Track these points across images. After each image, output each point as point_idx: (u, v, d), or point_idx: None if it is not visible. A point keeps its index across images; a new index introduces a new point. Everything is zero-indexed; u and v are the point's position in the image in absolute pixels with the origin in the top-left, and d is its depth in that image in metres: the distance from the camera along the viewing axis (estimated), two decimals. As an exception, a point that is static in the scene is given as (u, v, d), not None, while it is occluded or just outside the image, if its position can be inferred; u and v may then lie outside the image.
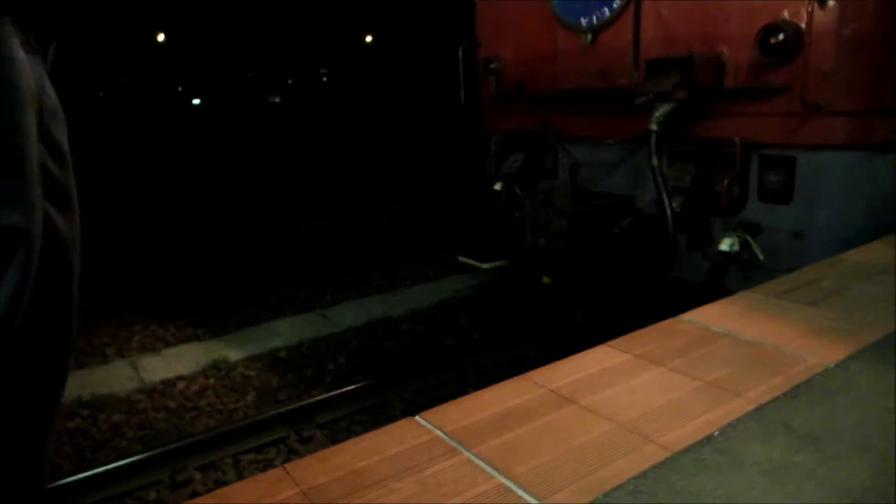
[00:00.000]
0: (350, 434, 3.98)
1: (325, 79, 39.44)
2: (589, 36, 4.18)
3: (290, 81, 38.90)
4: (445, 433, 1.58)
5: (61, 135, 0.62)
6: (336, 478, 1.40)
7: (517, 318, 5.41)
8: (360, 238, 8.20)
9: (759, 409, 1.63)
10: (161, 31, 31.66)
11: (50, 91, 0.61)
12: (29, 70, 0.57)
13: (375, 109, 23.73)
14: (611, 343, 2.05)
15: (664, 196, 3.58)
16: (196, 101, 36.60)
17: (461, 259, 5.17)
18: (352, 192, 11.79)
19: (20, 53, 0.56)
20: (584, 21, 4.21)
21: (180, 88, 36.76)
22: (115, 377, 4.70)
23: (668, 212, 3.58)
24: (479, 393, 1.82)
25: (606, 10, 4.05)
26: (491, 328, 5.36)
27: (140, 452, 3.71)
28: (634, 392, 1.75)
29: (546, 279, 4.46)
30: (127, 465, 3.53)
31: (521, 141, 4.89)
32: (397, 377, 4.51)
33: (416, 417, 1.67)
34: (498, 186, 4.92)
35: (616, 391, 1.75)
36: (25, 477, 0.64)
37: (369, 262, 7.21)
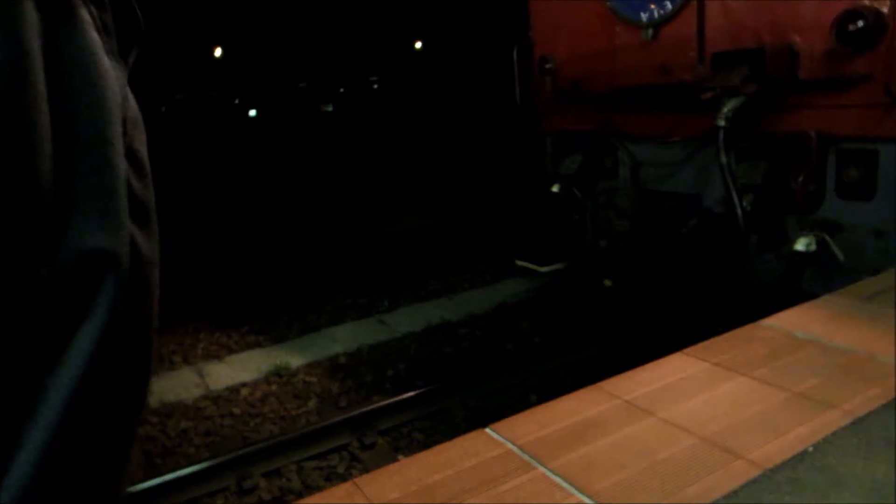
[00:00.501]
0: (412, 441, 3.96)
1: (375, 86, 39.91)
2: (650, 31, 4.06)
3: (341, 90, 39.54)
4: (518, 446, 1.52)
5: (142, 146, 0.58)
6: (408, 492, 1.36)
7: (578, 323, 5.29)
8: (416, 243, 8.21)
9: (857, 423, 1.51)
10: (217, 45, 32.63)
11: (132, 100, 0.58)
12: (114, 78, 0.54)
13: (427, 114, 23.81)
14: (687, 351, 1.95)
15: (734, 194, 3.43)
16: (252, 113, 37.61)
17: (519, 263, 5.10)
18: (406, 197, 11.84)
19: (105, 60, 0.53)
20: (644, 16, 4.09)
21: (237, 101, 37.84)
22: (182, 384, 4.82)
23: (739, 210, 3.42)
24: (551, 403, 1.76)
25: (668, 4, 3.92)
26: (552, 332, 5.26)
27: (207, 459, 3.79)
28: (716, 403, 1.65)
29: (607, 282, 4.35)
30: (195, 472, 3.59)
31: (578, 141, 4.79)
32: (458, 384, 4.47)
33: (487, 429, 1.62)
34: (556, 188, 4.83)
35: (697, 403, 1.66)
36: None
37: (426, 267, 7.20)
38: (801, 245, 3.34)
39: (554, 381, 4.43)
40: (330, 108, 39.08)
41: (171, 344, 5.65)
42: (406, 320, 5.79)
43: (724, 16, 3.64)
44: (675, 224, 3.92)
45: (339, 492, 1.40)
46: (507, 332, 5.38)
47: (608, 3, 4.31)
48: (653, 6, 4.00)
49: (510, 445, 1.53)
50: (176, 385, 4.80)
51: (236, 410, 4.42)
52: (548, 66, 4.86)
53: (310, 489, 3.55)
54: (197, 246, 9.45)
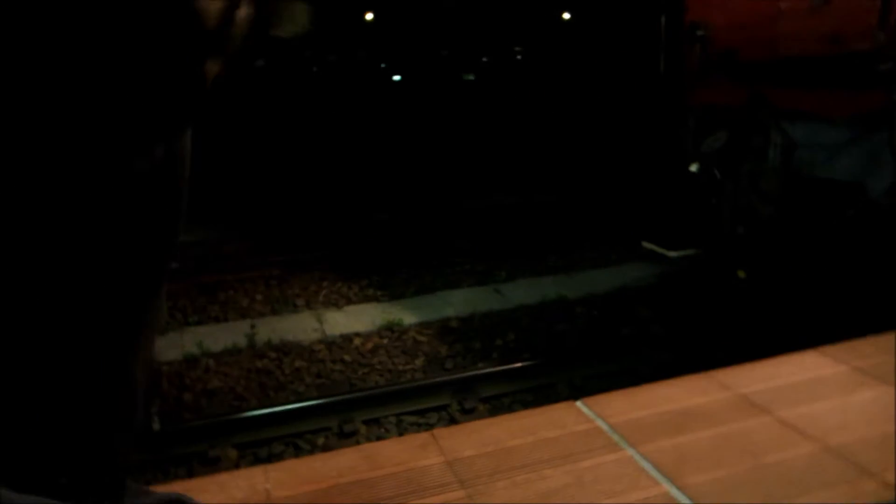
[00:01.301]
0: (511, 412, 3.90)
1: (518, 57, 39.42)
2: None
3: (484, 59, 39.42)
4: (609, 424, 1.41)
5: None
6: (484, 452, 1.30)
7: (704, 314, 4.94)
8: (541, 217, 8.05)
9: None
10: (369, 10, 33.57)
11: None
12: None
13: (569, 86, 23.19)
14: (823, 349, 1.72)
15: None
16: (396, 78, 38.56)
17: (646, 245, 4.83)
18: (538, 169, 11.64)
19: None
20: None
21: (383, 65, 38.92)
22: (301, 327, 5.07)
23: None
24: (653, 386, 1.62)
25: None
26: (674, 321, 4.95)
27: (315, 398, 3.97)
28: (849, 411, 1.44)
29: (741, 273, 4.00)
30: (303, 408, 3.77)
31: (725, 117, 4.39)
32: (566, 361, 4.34)
33: (578, 403, 1.52)
34: (694, 167, 4.49)
35: (825, 407, 1.46)
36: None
37: (547, 241, 7.04)
38: None
39: (668, 372, 4.17)
40: (471, 77, 39.19)
41: (296, 288, 5.96)
42: (521, 292, 5.70)
43: None
44: (829, 214, 3.51)
45: (416, 440, 1.37)
46: (625, 315, 5.14)
47: None
48: None
49: (599, 422, 1.42)
50: (296, 327, 5.06)
51: (347, 357, 4.58)
52: (699, 32, 4.48)
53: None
54: (328, 196, 9.90)
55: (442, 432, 1.40)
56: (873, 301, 3.40)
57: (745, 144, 4.26)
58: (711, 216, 4.29)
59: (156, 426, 2.98)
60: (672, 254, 4.59)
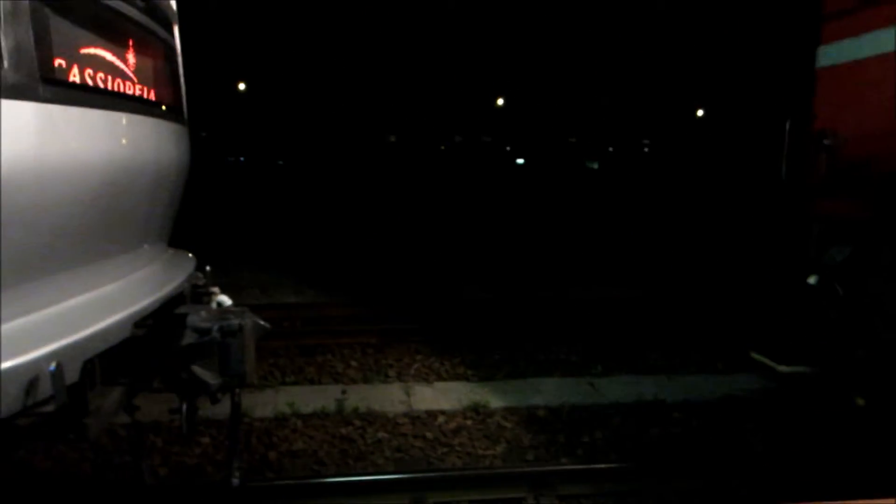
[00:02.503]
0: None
1: (646, 149, 39.24)
2: None
3: (610, 149, 39.58)
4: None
5: None
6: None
7: (815, 441, 4.49)
8: (648, 313, 7.76)
9: None
10: (501, 96, 34.97)
11: None
12: None
13: (692, 184, 22.72)
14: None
15: None
16: (520, 161, 39.48)
17: (754, 356, 4.51)
18: (652, 262, 11.35)
19: None
20: None
21: (508, 148, 40.06)
22: (389, 398, 5.14)
23: None
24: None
25: None
26: (779, 443, 4.54)
27: (391, 472, 3.97)
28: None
29: (860, 401, 3.62)
30: (378, 481, 3.79)
31: (850, 230, 4.12)
32: (658, 469, 4.07)
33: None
34: (812, 280, 4.21)
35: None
36: None
37: (647, 339, 6.77)
38: None
39: (767, 498, 3.81)
40: (595, 166, 39.36)
41: (390, 358, 6.08)
42: (617, 389, 5.47)
43: None
44: None
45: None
46: (726, 428, 4.78)
47: None
48: None
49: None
50: (384, 397, 5.13)
51: (429, 434, 4.57)
52: (827, 141, 4.30)
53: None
54: (436, 269, 10.13)
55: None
56: None
57: (873, 260, 3.95)
58: (829, 333, 3.97)
59: (235, 481, 3.09)
60: (782, 368, 4.24)
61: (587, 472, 4.03)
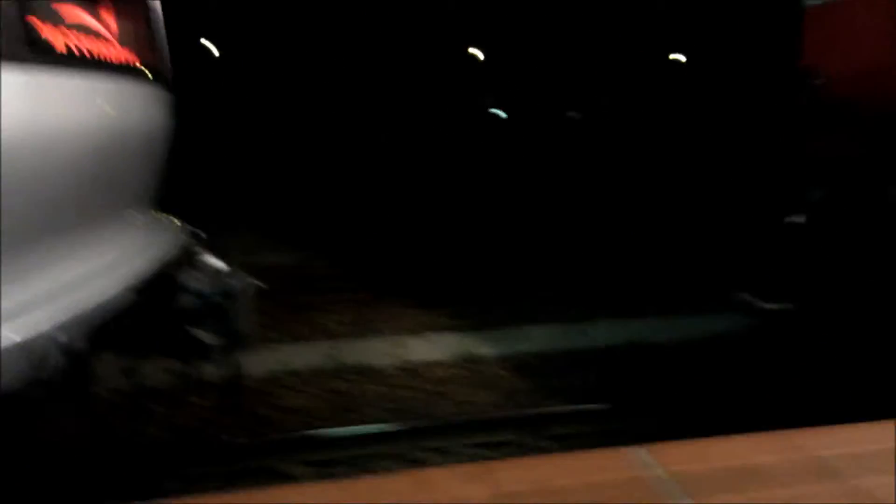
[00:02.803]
0: (572, 452, 3.83)
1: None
2: None
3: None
4: (670, 474, 1.38)
5: None
6: (532, 490, 1.31)
7: (799, 374, 4.61)
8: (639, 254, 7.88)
9: None
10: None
11: None
12: None
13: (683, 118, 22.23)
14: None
15: None
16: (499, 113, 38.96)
17: (738, 294, 4.58)
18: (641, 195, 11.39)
19: None
20: None
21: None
22: (383, 352, 5.20)
23: None
24: (722, 440, 1.57)
25: None
26: (765, 379, 4.67)
27: (386, 423, 4.05)
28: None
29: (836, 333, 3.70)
30: (375, 432, 3.87)
31: (838, 169, 4.11)
32: (642, 407, 4.21)
33: (641, 449, 1.50)
34: (798, 218, 4.26)
35: (905, 478, 1.36)
36: None
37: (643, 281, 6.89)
38: None
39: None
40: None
41: (383, 312, 6.14)
42: (609, 333, 5.59)
43: None
44: None
45: (467, 471, 1.40)
46: (720, 367, 4.91)
47: None
48: None
49: (660, 471, 1.40)
50: (377, 351, 5.19)
51: (425, 385, 4.65)
52: (811, 80, 4.22)
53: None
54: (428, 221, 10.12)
55: (496, 465, 1.42)
56: None
57: (857, 199, 4.00)
58: (813, 270, 4.04)
59: (238, 439, 3.14)
60: (768, 306, 4.34)
61: (577, 414, 4.16)
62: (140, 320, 2.49)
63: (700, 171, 13.23)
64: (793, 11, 4.63)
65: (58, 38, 1.95)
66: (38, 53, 1.83)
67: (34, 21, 1.81)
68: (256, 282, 2.85)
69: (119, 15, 2.43)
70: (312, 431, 3.90)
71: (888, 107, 3.75)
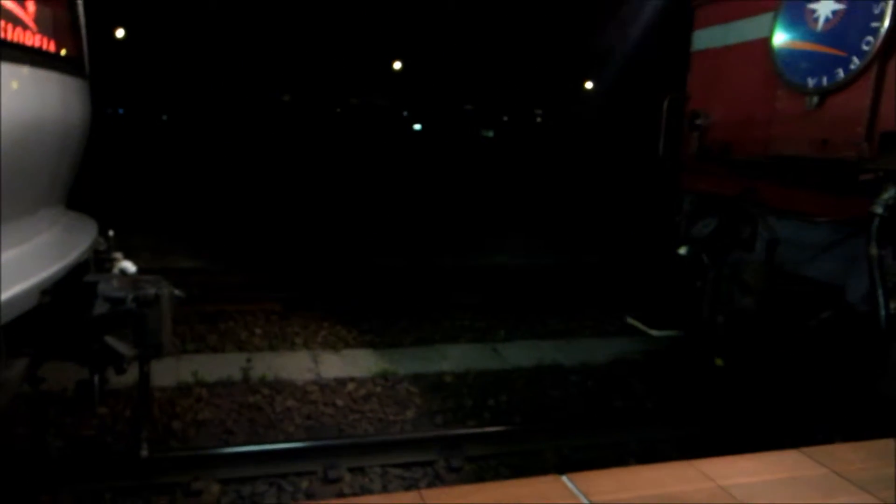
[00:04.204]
0: (497, 475, 3.89)
1: (538, 119, 40.33)
2: (815, 99, 3.69)
3: (504, 118, 40.33)
4: (591, 502, 1.45)
5: None
6: (468, 519, 1.34)
7: (686, 398, 4.95)
8: (544, 279, 8.12)
9: None
10: (398, 59, 34.51)
11: None
12: None
13: (580, 154, 23.70)
14: (805, 449, 1.76)
15: (880, 292, 3.05)
16: (417, 127, 39.37)
17: (630, 321, 4.86)
18: (543, 231, 11.81)
19: None
20: (811, 82, 3.72)
21: (405, 113, 39.80)
22: (297, 366, 5.10)
23: (882, 311, 3.03)
24: (636, 468, 1.66)
25: (841, 71, 3.52)
26: (666, 400, 4.96)
27: (302, 440, 3.98)
28: (826, 515, 1.48)
29: (719, 361, 3.99)
30: (289, 449, 3.78)
31: (716, 205, 4.49)
32: (557, 429, 4.35)
33: (563, 477, 1.56)
34: (682, 251, 4.57)
35: (803, 508, 1.50)
36: None
37: (548, 305, 7.10)
38: None
39: (657, 451, 4.18)
40: (490, 134, 40.02)
41: (295, 326, 6.01)
42: (519, 353, 5.73)
43: None
44: (806, 313, 3.52)
45: (405, 498, 1.42)
46: (619, 388, 5.16)
47: (775, 64, 3.99)
48: (823, 72, 3.64)
49: (583, 499, 1.46)
50: (291, 365, 5.08)
51: (339, 402, 4.59)
52: (698, 121, 4.62)
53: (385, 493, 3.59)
54: (336, 236, 10.03)
55: (430, 493, 1.44)
56: (846, 404, 3.40)
57: (734, 235, 4.31)
58: (694, 301, 4.33)
59: (144, 452, 2.99)
60: (654, 332, 4.62)
61: (493, 434, 4.23)
62: (49, 323, 2.35)
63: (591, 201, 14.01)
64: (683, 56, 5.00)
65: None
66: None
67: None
68: (177, 291, 2.75)
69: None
70: (227, 449, 3.76)
71: (757, 151, 4.11)
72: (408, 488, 3.67)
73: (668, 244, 4.81)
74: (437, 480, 3.78)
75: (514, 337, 6.16)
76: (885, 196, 3.06)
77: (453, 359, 5.50)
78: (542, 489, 1.49)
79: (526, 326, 6.44)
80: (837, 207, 3.51)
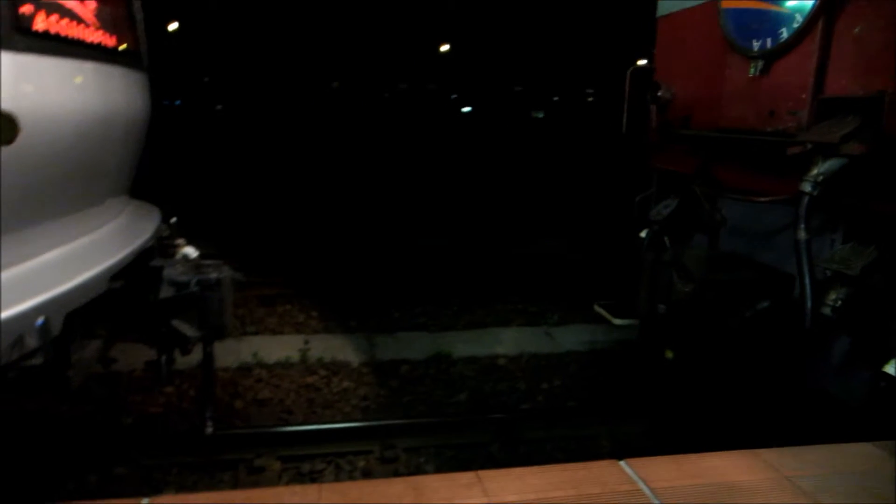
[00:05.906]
0: (551, 458, 3.89)
1: (590, 99, 39.62)
2: (759, 63, 3.23)
3: (555, 99, 39.78)
4: (651, 489, 1.44)
5: None
6: (528, 500, 1.35)
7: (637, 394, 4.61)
8: (599, 262, 8.00)
9: None
10: (445, 42, 34.36)
11: None
12: None
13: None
14: (878, 443, 1.70)
15: (807, 282, 2.74)
16: (466, 109, 39.20)
17: (596, 308, 4.60)
18: (597, 214, 11.60)
19: None
20: (756, 45, 3.22)
21: (454, 96, 39.67)
22: (352, 347, 5.19)
23: (808, 302, 2.72)
24: (699, 456, 1.63)
25: (784, 31, 3.03)
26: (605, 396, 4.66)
27: (359, 420, 4.06)
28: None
29: (669, 353, 3.67)
30: (346, 428, 3.87)
31: (677, 184, 4.07)
32: (612, 414, 4.30)
33: (621, 462, 1.55)
34: (643, 234, 4.20)
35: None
36: None
37: (601, 287, 6.99)
38: (892, 368, 2.45)
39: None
40: (541, 115, 39.52)
41: (351, 309, 6.11)
42: (573, 337, 5.67)
43: (854, 52, 2.75)
44: (741, 303, 3.15)
45: (461, 479, 1.43)
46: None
47: (723, 27, 3.50)
48: (766, 33, 3.14)
49: (641, 485, 1.45)
50: (347, 347, 5.18)
51: (394, 383, 4.66)
52: (659, 93, 4.14)
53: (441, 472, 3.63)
54: (388, 220, 10.10)
55: (487, 474, 1.45)
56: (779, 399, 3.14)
57: (695, 215, 3.90)
58: (647, 287, 3.80)
59: (209, 430, 3.11)
60: (616, 321, 4.32)
61: (547, 417, 4.22)
62: (119, 307, 2.46)
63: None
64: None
65: (44, 22, 1.92)
66: (27, 37, 1.80)
67: (25, 9, 1.79)
68: (237, 274, 2.83)
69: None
70: (287, 427, 3.86)
71: (707, 123, 3.68)
72: (461, 466, 3.70)
73: (630, 227, 4.42)
74: (489, 462, 3.80)
75: (569, 321, 6.10)
76: (814, 172, 2.70)
77: (507, 342, 5.50)
78: (600, 474, 1.48)
79: (580, 310, 6.36)
80: (786, 184, 3.00)
